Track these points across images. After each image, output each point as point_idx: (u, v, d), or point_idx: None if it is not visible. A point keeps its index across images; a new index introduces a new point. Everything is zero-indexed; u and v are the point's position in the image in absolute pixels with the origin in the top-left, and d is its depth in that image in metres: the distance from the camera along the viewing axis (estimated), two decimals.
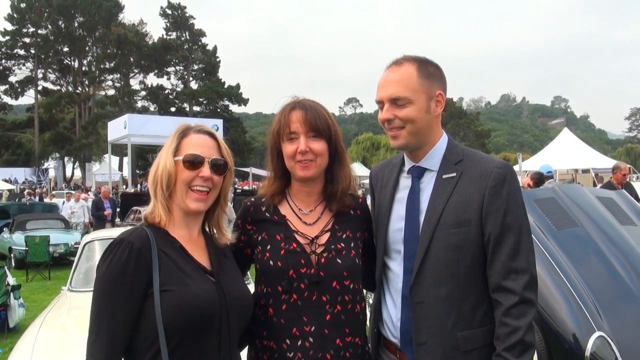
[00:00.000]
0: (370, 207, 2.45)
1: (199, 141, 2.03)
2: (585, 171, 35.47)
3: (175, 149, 2.01)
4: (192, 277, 1.91)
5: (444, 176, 2.17)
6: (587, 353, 3.09)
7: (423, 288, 2.12)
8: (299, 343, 2.11)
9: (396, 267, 2.24)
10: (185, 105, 70.69)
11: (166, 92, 72.18)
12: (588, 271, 3.60)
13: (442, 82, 2.22)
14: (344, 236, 2.24)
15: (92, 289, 1.90)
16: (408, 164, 2.29)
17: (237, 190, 30.88)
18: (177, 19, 72.13)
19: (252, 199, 2.35)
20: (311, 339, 2.11)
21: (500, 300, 2.05)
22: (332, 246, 2.19)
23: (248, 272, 2.49)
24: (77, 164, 66.85)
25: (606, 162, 32.88)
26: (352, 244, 2.23)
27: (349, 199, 2.28)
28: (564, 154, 34.74)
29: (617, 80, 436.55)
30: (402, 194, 2.28)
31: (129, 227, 2.01)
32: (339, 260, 2.17)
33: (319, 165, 2.19)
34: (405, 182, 2.29)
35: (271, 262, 2.16)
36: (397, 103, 2.16)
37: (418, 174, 2.25)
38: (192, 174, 1.99)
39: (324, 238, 2.21)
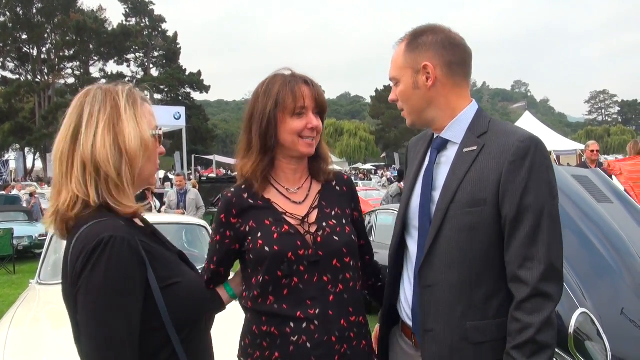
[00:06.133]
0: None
1: (152, 110, 1.82)
2: None
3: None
4: (180, 263, 1.76)
5: (465, 150, 1.98)
6: (571, 330, 3.11)
7: (433, 271, 1.96)
8: (304, 326, 2.01)
9: (412, 245, 2.10)
10: (146, 92, 69.82)
11: (126, 79, 70.71)
12: (568, 249, 3.55)
13: (434, 51, 2.01)
14: (333, 213, 2.16)
15: (62, 285, 1.60)
16: (435, 136, 2.13)
17: (202, 178, 30.67)
18: (136, 4, 71.04)
19: (232, 189, 2.18)
20: (316, 322, 2.02)
21: (514, 292, 1.86)
22: (324, 223, 2.11)
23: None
24: (37, 154, 65.56)
25: (567, 145, 33.67)
26: (343, 221, 2.17)
27: (332, 172, 2.28)
28: None
29: (575, 65, 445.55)
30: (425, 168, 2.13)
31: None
32: (336, 238, 2.09)
33: (318, 141, 2.17)
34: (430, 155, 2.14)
35: (267, 248, 2.03)
36: (394, 84, 2.10)
37: (438, 145, 2.08)
38: (157, 152, 1.79)
39: (313, 216, 2.13)
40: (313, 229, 2.10)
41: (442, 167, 2.05)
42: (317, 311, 2.03)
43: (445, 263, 1.94)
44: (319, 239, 2.08)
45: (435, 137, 2.13)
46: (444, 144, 2.08)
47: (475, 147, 1.96)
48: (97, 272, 1.49)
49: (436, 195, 2.01)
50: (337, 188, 2.26)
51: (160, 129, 1.78)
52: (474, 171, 1.92)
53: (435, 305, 1.97)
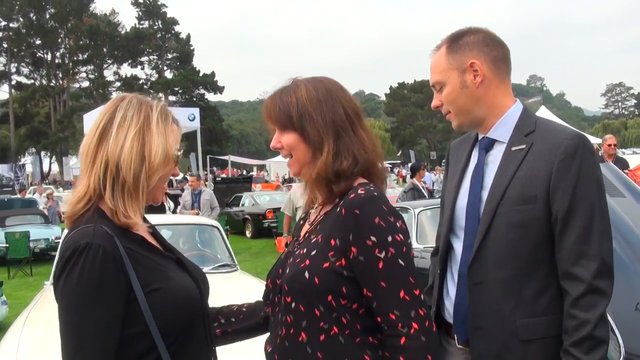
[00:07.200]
0: (443, 181, 2.34)
1: (179, 133, 1.81)
2: None
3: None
4: (169, 268, 1.72)
5: (513, 148, 2.00)
6: None
7: (482, 268, 1.97)
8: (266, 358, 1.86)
9: (458, 245, 2.10)
10: (161, 94, 70.15)
11: (141, 82, 71.68)
12: None
13: (479, 49, 2.06)
14: (313, 240, 1.77)
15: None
16: (480, 136, 2.15)
17: (217, 179, 30.88)
18: (149, 7, 71.55)
19: None
20: None
21: (567, 289, 1.87)
22: (297, 252, 1.80)
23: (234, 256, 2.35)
24: (54, 158, 66.24)
25: None
26: (313, 252, 1.72)
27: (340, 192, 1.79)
28: None
29: (591, 57, 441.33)
30: (472, 168, 2.15)
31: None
32: (286, 271, 1.77)
33: (298, 159, 1.82)
34: (476, 155, 2.16)
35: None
36: (437, 89, 2.12)
37: (486, 145, 2.10)
38: (171, 172, 1.79)
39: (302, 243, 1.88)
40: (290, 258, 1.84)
41: (490, 167, 2.07)
42: (270, 349, 1.82)
43: (495, 260, 1.95)
44: (287, 270, 1.79)
45: (481, 137, 2.15)
46: (491, 143, 2.10)
47: (524, 146, 1.98)
48: (70, 278, 1.54)
49: (485, 194, 2.03)
50: (337, 210, 1.75)
51: (180, 151, 1.80)
52: (524, 169, 1.95)
53: (484, 302, 1.97)
